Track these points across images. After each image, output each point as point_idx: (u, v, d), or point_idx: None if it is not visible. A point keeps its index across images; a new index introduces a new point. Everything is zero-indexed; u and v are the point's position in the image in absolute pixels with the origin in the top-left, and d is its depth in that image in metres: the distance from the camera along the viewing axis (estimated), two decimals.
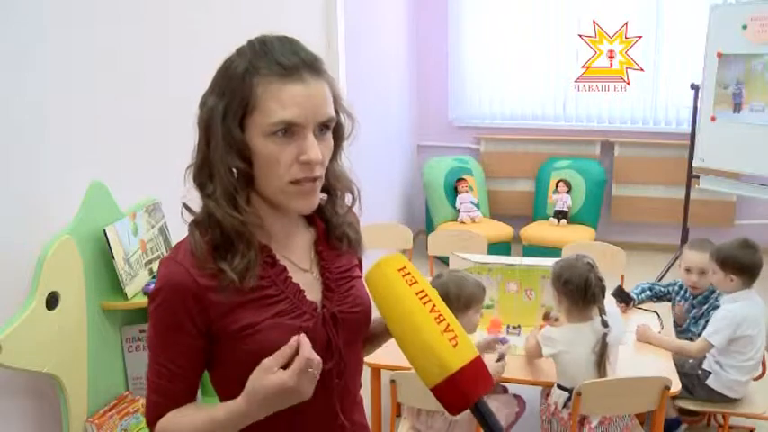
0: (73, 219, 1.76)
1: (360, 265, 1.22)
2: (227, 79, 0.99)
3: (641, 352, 2.63)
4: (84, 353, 1.77)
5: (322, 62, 1.02)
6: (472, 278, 2.36)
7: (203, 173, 1.02)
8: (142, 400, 1.90)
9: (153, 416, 1.06)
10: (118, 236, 1.86)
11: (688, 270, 2.88)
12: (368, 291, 0.91)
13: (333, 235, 1.15)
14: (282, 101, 0.96)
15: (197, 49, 2.24)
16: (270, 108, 0.96)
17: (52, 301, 1.64)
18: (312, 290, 1.09)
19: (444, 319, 0.85)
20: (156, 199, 2.10)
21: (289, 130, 0.97)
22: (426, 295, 0.87)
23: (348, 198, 1.17)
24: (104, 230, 1.81)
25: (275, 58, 0.97)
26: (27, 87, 1.67)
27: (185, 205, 1.06)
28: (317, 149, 0.98)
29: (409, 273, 0.89)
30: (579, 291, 2.30)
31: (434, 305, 0.86)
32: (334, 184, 1.11)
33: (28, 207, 1.68)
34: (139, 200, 2.06)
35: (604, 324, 2.26)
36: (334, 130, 1.05)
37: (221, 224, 1.00)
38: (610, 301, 2.94)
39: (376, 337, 1.24)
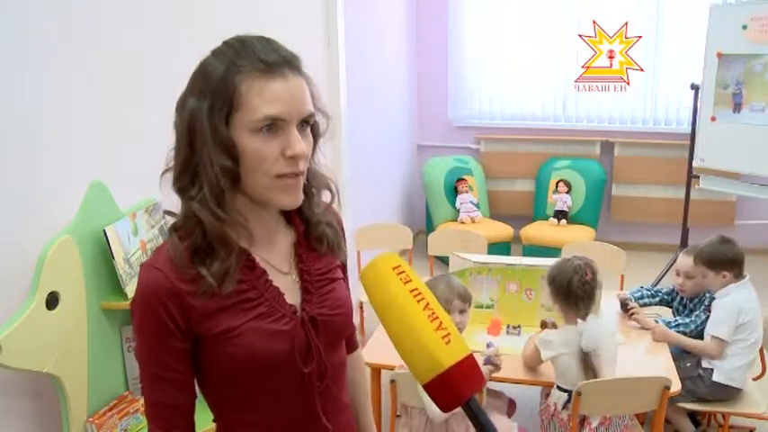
0: (73, 219, 1.76)
1: (343, 267, 1.21)
2: (206, 79, 0.99)
3: (641, 352, 2.64)
4: (84, 353, 1.77)
5: (301, 60, 1.04)
6: (452, 281, 2.33)
7: (185, 176, 1.01)
8: (142, 400, 1.90)
9: None
10: (118, 236, 1.87)
11: (677, 273, 2.93)
12: (363, 289, 0.92)
13: (312, 236, 1.14)
14: (266, 97, 0.97)
15: (197, 48, 2.24)
16: (254, 104, 0.97)
17: (52, 301, 1.64)
18: (291, 293, 1.09)
19: (437, 317, 0.86)
20: (156, 199, 2.10)
21: (273, 125, 0.98)
22: (420, 293, 0.88)
23: (326, 197, 1.16)
24: (104, 230, 1.81)
25: (257, 56, 0.98)
26: (27, 87, 1.67)
27: (168, 211, 1.06)
28: (301, 143, 1.00)
29: (404, 271, 0.90)
30: (562, 292, 2.32)
31: (428, 303, 0.87)
32: (310, 182, 1.11)
33: (28, 207, 1.68)
34: (139, 200, 2.06)
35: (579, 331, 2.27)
36: (311, 129, 1.05)
37: (204, 227, 0.99)
38: (610, 304, 2.94)
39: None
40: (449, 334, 0.85)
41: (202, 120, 0.97)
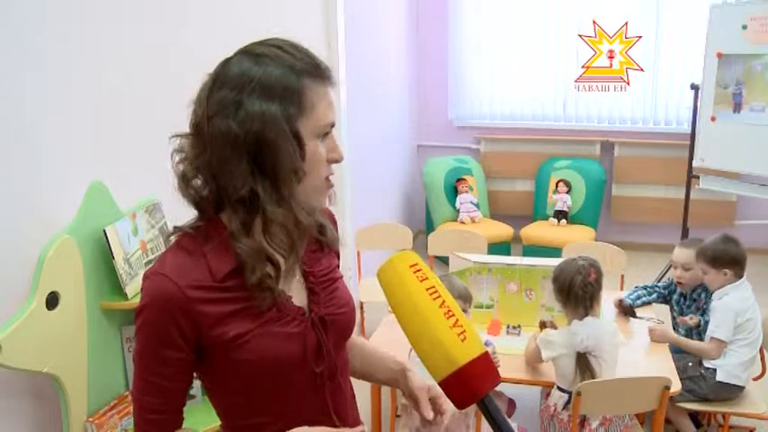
0: (73, 219, 1.76)
1: (337, 255, 1.23)
2: (264, 83, 0.96)
3: (641, 352, 2.63)
4: (84, 353, 1.78)
5: None
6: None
7: (244, 181, 0.97)
8: None
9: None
10: (118, 236, 1.87)
11: (675, 266, 2.94)
12: (380, 286, 0.92)
13: (312, 237, 1.14)
14: (327, 103, 1.02)
15: (197, 48, 2.24)
16: (320, 110, 1.00)
17: (52, 301, 1.64)
18: (297, 295, 1.09)
19: (453, 315, 0.88)
20: (156, 199, 2.10)
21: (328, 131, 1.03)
22: (436, 291, 0.89)
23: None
24: (104, 230, 1.81)
25: (313, 62, 1.01)
26: (27, 87, 1.67)
27: (177, 227, 1.06)
28: None
29: (420, 269, 0.91)
30: (564, 292, 2.32)
31: (444, 301, 0.89)
32: None
33: (28, 207, 1.68)
34: (139, 200, 2.06)
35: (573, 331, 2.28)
36: None
37: (278, 226, 1.01)
38: (610, 305, 2.94)
39: (369, 376, 1.30)
40: (464, 331, 0.86)
41: (281, 124, 0.96)
